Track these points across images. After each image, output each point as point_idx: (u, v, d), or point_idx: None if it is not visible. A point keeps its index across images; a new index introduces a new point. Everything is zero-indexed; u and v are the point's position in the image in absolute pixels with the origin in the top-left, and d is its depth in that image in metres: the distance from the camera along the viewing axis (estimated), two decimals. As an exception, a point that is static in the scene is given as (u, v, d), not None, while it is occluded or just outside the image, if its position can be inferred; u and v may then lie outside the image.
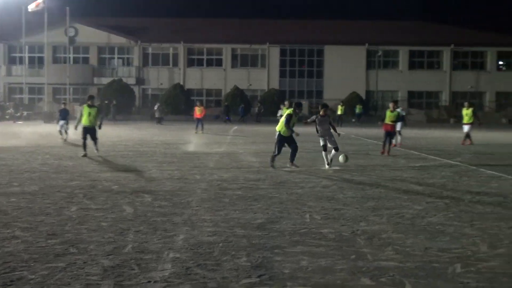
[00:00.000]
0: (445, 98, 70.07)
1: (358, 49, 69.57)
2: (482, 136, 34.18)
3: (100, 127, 19.79)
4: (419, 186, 13.49)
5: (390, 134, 21.38)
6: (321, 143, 17.04)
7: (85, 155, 18.86)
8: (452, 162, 19.55)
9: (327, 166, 16.76)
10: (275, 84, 68.78)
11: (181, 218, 9.22)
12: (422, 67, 71.36)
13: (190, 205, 10.47)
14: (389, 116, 21.25)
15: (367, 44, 69.45)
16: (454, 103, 67.32)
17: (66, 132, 27.64)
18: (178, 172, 15.56)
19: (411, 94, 70.39)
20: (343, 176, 14.80)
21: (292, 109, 16.99)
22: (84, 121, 19.17)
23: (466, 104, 29.00)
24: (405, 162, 19.27)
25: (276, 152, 16.65)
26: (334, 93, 65.51)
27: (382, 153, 21.01)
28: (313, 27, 74.54)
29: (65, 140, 27.14)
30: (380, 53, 69.05)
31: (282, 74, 70.16)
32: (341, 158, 16.69)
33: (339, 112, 52.37)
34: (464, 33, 73.27)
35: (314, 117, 17.50)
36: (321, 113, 17.26)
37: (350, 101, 62.75)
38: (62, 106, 29.78)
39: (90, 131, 19.26)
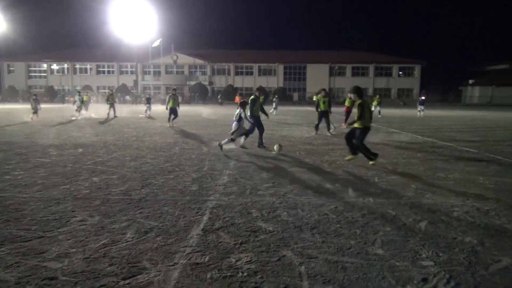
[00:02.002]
0: (370, 92, 68.27)
1: (323, 66, 68.30)
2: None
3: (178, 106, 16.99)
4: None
5: (348, 112, 16.49)
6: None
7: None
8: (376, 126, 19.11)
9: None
10: (281, 84, 68.08)
11: (232, 154, 9.27)
12: (359, 75, 69.62)
13: (237, 149, 10.48)
14: (347, 101, 17.14)
15: (329, 63, 68.20)
16: (375, 95, 65.80)
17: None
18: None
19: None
20: (313, 132, 14.60)
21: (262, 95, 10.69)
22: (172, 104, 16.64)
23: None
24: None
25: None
26: (311, 89, 64.94)
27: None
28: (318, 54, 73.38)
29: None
30: (336, 67, 67.65)
31: (285, 79, 69.22)
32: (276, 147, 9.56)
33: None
34: (382, 57, 71.38)
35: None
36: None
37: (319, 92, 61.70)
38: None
39: (173, 111, 16.69)
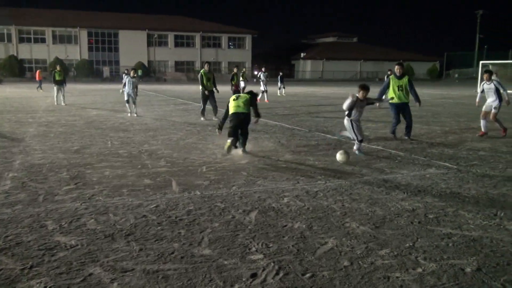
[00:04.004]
0: (197, 65, 70.32)
1: (140, 34, 67.06)
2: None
3: None
4: (181, 120, 13.61)
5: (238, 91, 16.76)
6: None
7: None
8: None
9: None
10: (85, 55, 64.15)
11: (18, 149, 8.39)
12: (183, 45, 70.91)
13: (25, 139, 9.55)
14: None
15: (147, 30, 67.23)
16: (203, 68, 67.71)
17: None
18: (14, 117, 14.01)
19: (177, 63, 69.84)
20: (135, 118, 14.42)
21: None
22: None
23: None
24: (173, 105, 19.26)
25: None
26: (126, 62, 62.93)
27: None
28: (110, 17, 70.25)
29: None
30: (156, 36, 67.22)
31: (90, 49, 65.47)
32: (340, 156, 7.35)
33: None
34: (208, 25, 74.03)
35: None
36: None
37: (137, 67, 60.69)
38: None
39: None
